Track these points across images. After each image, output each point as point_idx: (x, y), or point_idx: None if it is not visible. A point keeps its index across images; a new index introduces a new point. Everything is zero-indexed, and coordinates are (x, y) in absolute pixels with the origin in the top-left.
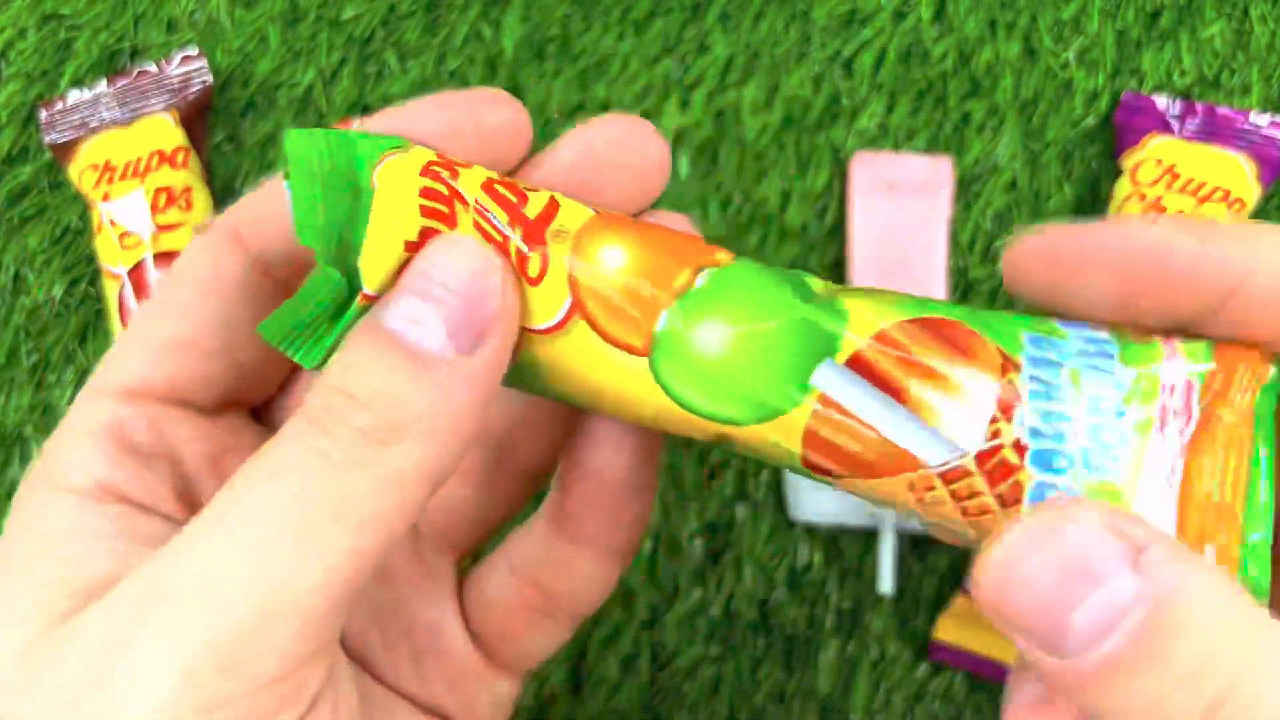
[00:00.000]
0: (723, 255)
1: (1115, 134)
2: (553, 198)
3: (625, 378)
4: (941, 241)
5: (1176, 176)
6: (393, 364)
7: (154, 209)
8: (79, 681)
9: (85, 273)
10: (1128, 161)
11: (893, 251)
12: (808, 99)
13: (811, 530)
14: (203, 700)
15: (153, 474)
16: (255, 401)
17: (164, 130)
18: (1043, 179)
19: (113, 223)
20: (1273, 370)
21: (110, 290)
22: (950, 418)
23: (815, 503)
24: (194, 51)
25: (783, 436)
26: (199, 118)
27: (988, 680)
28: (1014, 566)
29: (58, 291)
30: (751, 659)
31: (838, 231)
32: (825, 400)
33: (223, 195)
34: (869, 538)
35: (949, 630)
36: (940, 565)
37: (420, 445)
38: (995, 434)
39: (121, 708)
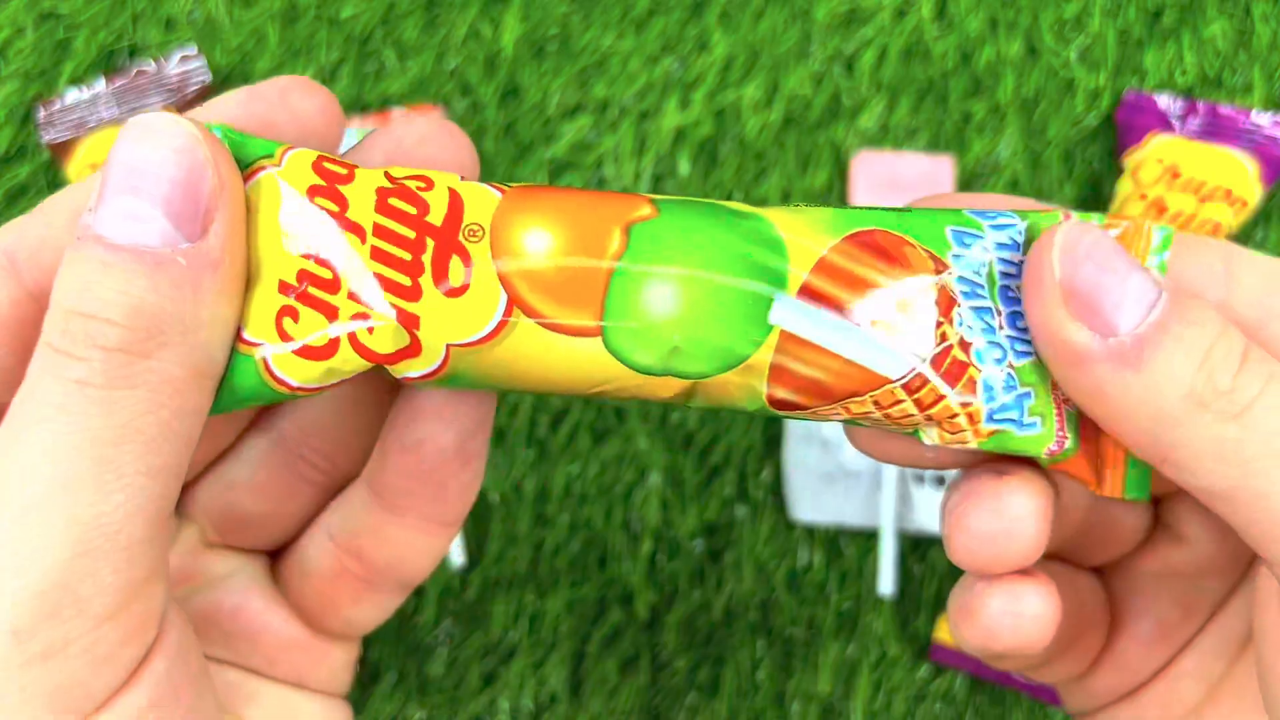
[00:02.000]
0: (646, 206)
1: (1117, 133)
2: (452, 190)
3: (580, 361)
4: None
5: (1178, 175)
6: (125, 271)
7: None
8: None
9: None
10: (1129, 160)
11: None
12: (808, 98)
13: (812, 531)
14: (35, 651)
15: None
16: None
17: None
18: (1044, 178)
19: None
20: (1158, 234)
21: None
22: (903, 329)
23: (816, 503)
24: (193, 50)
25: (749, 379)
26: None
27: (989, 681)
28: (1076, 243)
29: None
30: (751, 660)
31: None
32: (786, 336)
33: None
34: (869, 538)
35: (950, 631)
36: (941, 565)
37: (182, 345)
38: (943, 337)
39: None
